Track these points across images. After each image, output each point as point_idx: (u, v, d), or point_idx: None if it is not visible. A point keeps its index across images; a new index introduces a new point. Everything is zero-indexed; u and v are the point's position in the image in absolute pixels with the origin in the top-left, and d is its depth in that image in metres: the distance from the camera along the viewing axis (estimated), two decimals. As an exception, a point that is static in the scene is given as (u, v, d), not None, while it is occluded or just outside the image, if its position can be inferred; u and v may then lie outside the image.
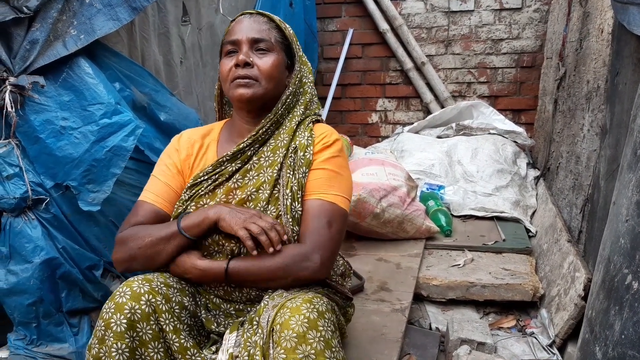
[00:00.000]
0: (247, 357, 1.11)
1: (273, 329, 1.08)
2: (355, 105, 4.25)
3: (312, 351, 1.02)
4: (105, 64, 1.77)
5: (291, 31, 1.40)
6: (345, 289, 1.48)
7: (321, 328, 1.05)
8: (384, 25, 3.97)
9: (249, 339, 1.14)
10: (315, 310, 1.08)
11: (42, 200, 1.65)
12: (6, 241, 1.68)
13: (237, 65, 1.29)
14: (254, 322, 1.16)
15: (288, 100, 1.36)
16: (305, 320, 1.05)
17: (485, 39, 3.90)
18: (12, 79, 1.51)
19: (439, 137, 3.74)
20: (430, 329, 2.10)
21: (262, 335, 1.10)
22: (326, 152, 1.33)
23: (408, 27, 3.97)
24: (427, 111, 4.05)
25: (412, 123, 3.98)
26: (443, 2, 3.92)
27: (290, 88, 1.37)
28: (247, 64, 1.29)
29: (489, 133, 3.62)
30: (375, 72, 4.15)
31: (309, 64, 1.44)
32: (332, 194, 1.29)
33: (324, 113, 3.98)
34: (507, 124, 3.65)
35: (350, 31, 4.10)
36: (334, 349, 1.06)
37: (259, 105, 1.35)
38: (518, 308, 2.22)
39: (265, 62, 1.31)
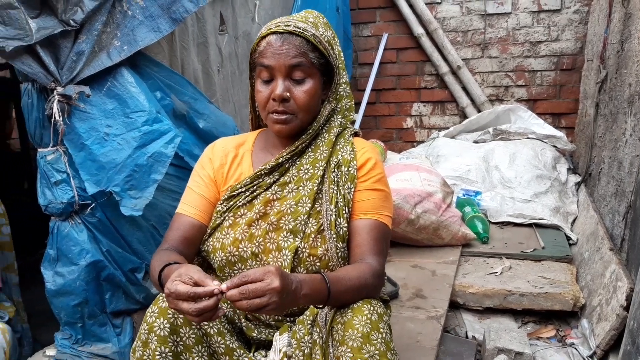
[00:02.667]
0: (302, 357, 1.13)
1: (333, 328, 1.10)
2: (389, 110, 4.24)
3: (377, 352, 1.05)
4: (147, 73, 1.83)
5: (327, 39, 1.30)
6: (381, 293, 1.48)
7: (382, 330, 1.09)
8: (418, 30, 3.95)
9: (303, 339, 1.15)
10: (375, 312, 1.10)
11: (88, 205, 1.72)
12: (54, 244, 1.75)
13: (273, 99, 1.25)
14: (307, 323, 1.17)
15: (327, 114, 1.35)
16: (368, 321, 1.08)
17: (523, 42, 3.83)
18: (59, 89, 1.58)
19: (476, 142, 3.69)
20: (467, 337, 2.07)
21: (321, 335, 1.12)
22: (375, 172, 1.32)
23: (443, 30, 3.94)
24: (464, 115, 4.00)
25: (448, 128, 3.95)
26: (479, 5, 3.88)
27: (331, 105, 1.35)
28: (284, 100, 1.25)
29: (528, 138, 3.54)
30: (410, 77, 4.14)
31: (345, 67, 1.40)
32: (386, 215, 1.30)
33: (358, 118, 3.99)
34: (547, 128, 3.57)
35: (385, 36, 4.10)
36: (392, 351, 1.09)
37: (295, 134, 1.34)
38: (558, 318, 2.17)
39: (302, 93, 1.26)
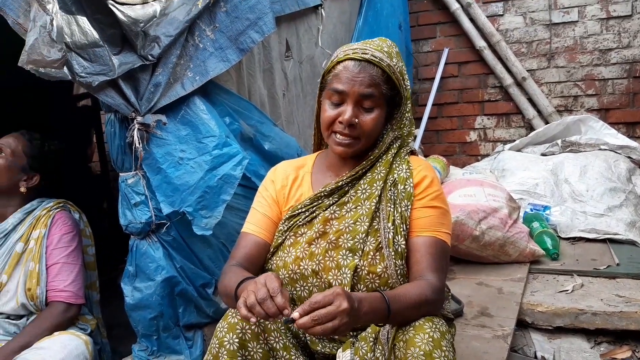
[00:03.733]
0: None
1: (395, 345, 1.12)
2: (452, 124, 4.20)
3: None
4: (217, 100, 1.94)
5: (399, 69, 1.33)
6: (445, 311, 1.49)
7: (445, 348, 1.10)
8: (480, 43, 3.91)
9: (365, 356, 1.18)
10: (437, 330, 1.12)
11: (163, 224, 1.84)
12: (133, 261, 1.87)
13: (340, 122, 1.30)
14: (369, 340, 1.20)
15: (389, 142, 1.38)
16: (430, 339, 1.09)
17: (592, 50, 3.70)
18: (139, 119, 1.71)
19: (544, 154, 3.58)
20: (536, 357, 2.01)
21: (383, 352, 1.15)
22: (432, 189, 1.34)
23: (506, 42, 3.88)
24: (530, 127, 3.90)
25: (514, 140, 3.86)
26: (544, 14, 3.79)
27: (394, 133, 1.38)
28: (351, 125, 1.29)
29: (600, 149, 3.40)
30: (473, 90, 4.09)
31: (410, 97, 1.42)
32: (444, 232, 1.32)
33: (419, 134, 3.98)
34: (620, 139, 3.41)
35: (446, 50, 4.09)
36: None
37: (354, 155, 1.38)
38: (633, 338, 2.06)
39: (369, 121, 1.30)
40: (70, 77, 1.63)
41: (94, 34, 1.64)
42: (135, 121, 1.71)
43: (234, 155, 1.79)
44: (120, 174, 1.83)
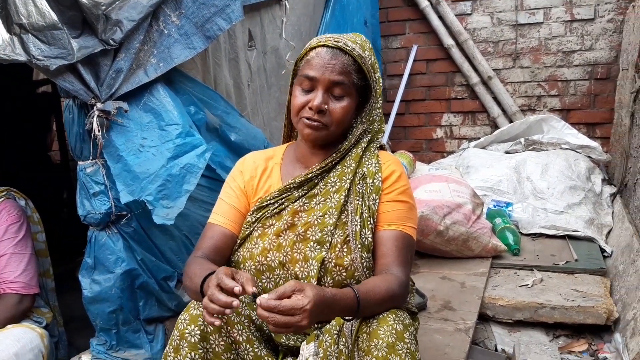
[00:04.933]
0: None
1: (359, 338, 1.13)
2: (419, 120, 4.24)
3: None
4: (182, 88, 1.89)
5: (371, 62, 1.35)
6: (409, 304, 1.49)
7: (407, 340, 1.11)
8: (448, 41, 3.95)
9: (329, 348, 1.18)
10: (400, 322, 1.13)
11: (124, 215, 1.79)
12: (91, 253, 1.82)
13: (310, 108, 1.29)
14: (333, 332, 1.20)
15: (358, 134, 1.38)
16: (394, 331, 1.10)
17: (556, 51, 3.79)
18: (99, 105, 1.65)
19: (507, 152, 3.65)
20: (496, 350, 2.05)
21: (347, 345, 1.14)
22: (400, 184, 1.35)
23: (474, 41, 3.93)
24: (495, 126, 3.97)
25: (479, 138, 3.91)
26: (510, 15, 3.85)
27: (363, 125, 1.38)
28: (321, 111, 1.29)
29: (561, 148, 3.48)
30: (440, 88, 4.13)
31: (382, 93, 1.43)
32: (410, 226, 1.32)
33: (387, 129, 4.00)
34: (581, 138, 3.50)
35: (415, 47, 4.11)
36: None
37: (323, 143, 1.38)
38: (590, 331, 2.13)
39: (338, 109, 1.30)
40: (25, 60, 1.56)
41: (52, 15, 1.58)
42: (95, 108, 1.65)
43: (197, 146, 1.76)
44: (79, 162, 1.77)
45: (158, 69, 1.74)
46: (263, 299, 1.00)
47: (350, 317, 1.16)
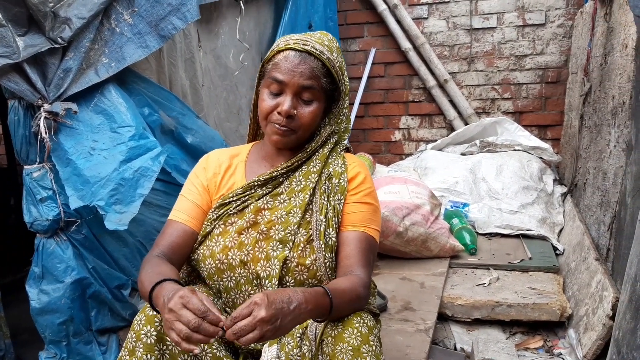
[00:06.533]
0: None
1: (323, 341, 1.11)
2: (378, 123, 4.27)
3: None
4: (135, 89, 1.83)
5: (339, 64, 1.34)
6: (371, 306, 1.49)
7: (372, 343, 1.10)
8: (406, 44, 4.00)
9: (291, 352, 1.16)
10: (365, 325, 1.12)
11: (74, 222, 1.71)
12: (39, 262, 1.74)
13: (278, 113, 1.27)
14: (296, 336, 1.18)
15: (326, 135, 1.38)
16: (359, 334, 1.09)
17: (509, 55, 3.89)
18: (46, 106, 1.58)
19: (463, 154, 3.72)
20: (455, 349, 2.08)
21: (310, 348, 1.12)
22: (365, 185, 1.35)
23: (430, 45, 3.99)
24: (451, 128, 4.04)
25: (436, 140, 3.98)
26: (465, 20, 3.94)
27: (332, 127, 1.38)
28: (290, 116, 1.27)
29: (514, 149, 3.58)
30: (398, 91, 4.18)
31: (348, 93, 1.42)
32: (374, 228, 1.32)
33: (347, 132, 4.00)
34: (533, 140, 3.62)
35: (373, 50, 4.14)
36: None
37: (292, 147, 1.36)
38: (545, 328, 2.18)
39: (307, 113, 1.29)
40: (-36, 58, 1.48)
41: (-6, 11, 1.50)
42: (42, 109, 1.58)
43: (151, 148, 1.71)
44: (25, 166, 1.69)
45: (110, 68, 1.68)
46: (228, 332, 0.96)
47: (321, 319, 1.13)
